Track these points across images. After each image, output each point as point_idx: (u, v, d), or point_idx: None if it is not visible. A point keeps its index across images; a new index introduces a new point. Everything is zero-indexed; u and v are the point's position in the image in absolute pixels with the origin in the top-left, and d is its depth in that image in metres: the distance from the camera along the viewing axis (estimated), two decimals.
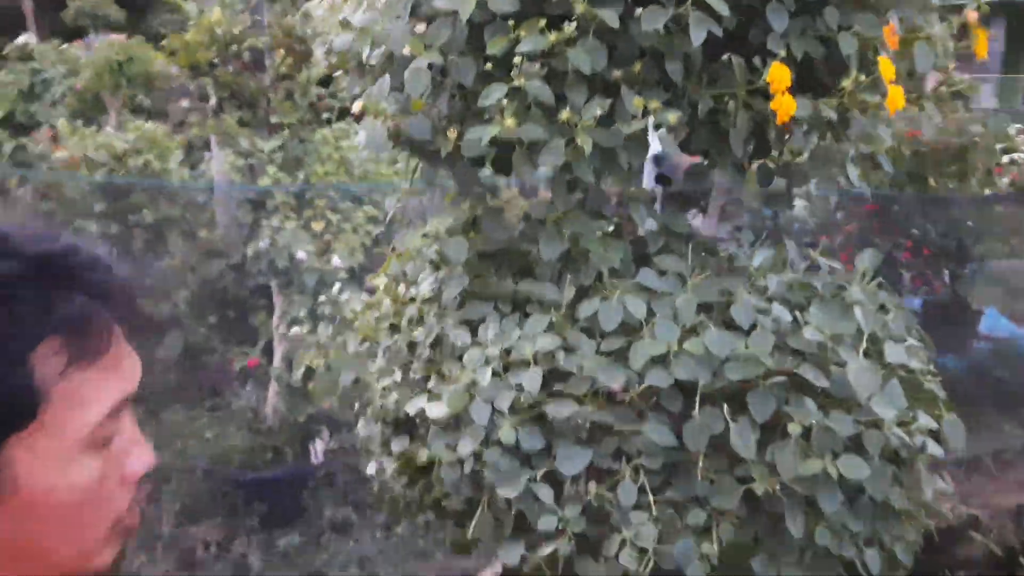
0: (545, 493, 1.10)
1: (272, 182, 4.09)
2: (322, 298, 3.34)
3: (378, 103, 1.26)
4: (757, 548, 1.06)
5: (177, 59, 4.00)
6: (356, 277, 3.90)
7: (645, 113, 1.09)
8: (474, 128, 1.15)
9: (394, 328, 1.53)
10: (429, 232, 1.36)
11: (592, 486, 1.10)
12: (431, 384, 1.30)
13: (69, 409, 0.61)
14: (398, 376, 1.37)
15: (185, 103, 4.52)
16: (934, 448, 1.08)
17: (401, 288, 1.52)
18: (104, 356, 0.62)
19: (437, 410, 1.22)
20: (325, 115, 4.85)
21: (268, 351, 3.75)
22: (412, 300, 1.52)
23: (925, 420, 1.10)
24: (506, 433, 1.12)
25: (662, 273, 1.18)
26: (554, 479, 1.14)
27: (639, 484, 1.08)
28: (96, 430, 0.62)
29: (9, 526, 0.60)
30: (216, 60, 4.26)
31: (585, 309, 1.18)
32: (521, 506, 1.14)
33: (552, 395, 1.14)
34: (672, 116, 1.07)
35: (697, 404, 1.06)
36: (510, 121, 1.11)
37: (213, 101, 4.45)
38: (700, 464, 1.05)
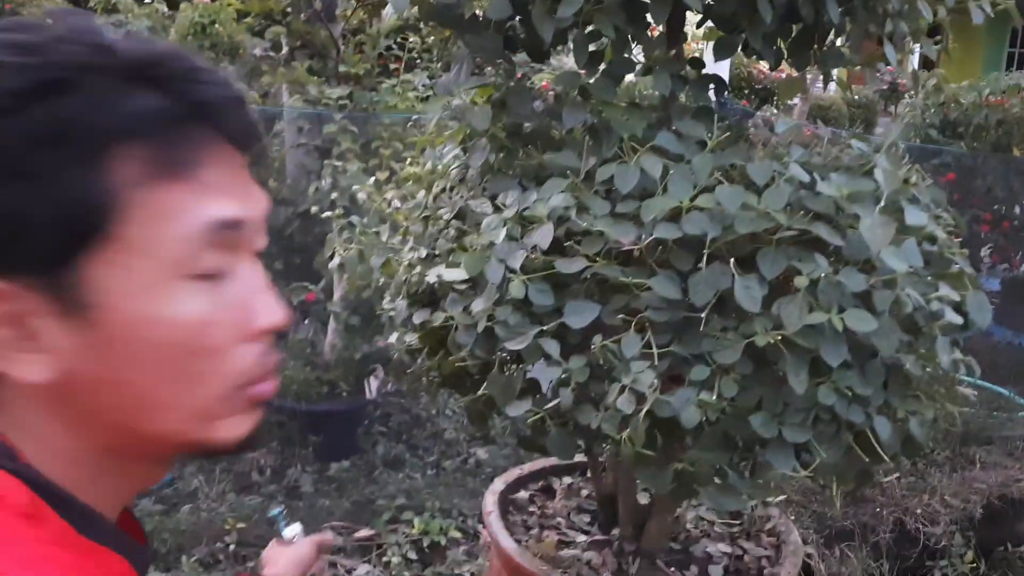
0: (552, 347, 1.11)
1: (338, 130, 4.17)
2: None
3: None
4: (759, 406, 1.04)
5: (250, 5, 4.10)
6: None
7: None
8: None
9: (426, 219, 1.55)
10: (455, 105, 1.37)
11: (597, 338, 1.10)
12: (453, 256, 1.32)
13: (155, 223, 0.53)
14: (423, 252, 1.39)
15: (258, 51, 4.64)
16: (952, 317, 1.04)
17: (429, 166, 1.54)
18: (202, 171, 0.54)
19: (455, 274, 1.23)
20: (393, 67, 4.92)
21: (329, 290, 3.83)
22: (440, 178, 1.53)
23: (946, 291, 1.06)
24: (516, 288, 1.13)
25: (681, 138, 1.17)
26: (564, 339, 1.14)
27: (645, 339, 1.07)
28: (196, 254, 0.54)
29: (96, 366, 0.53)
30: (289, 9, 4.36)
31: (602, 173, 1.17)
32: (530, 361, 1.15)
33: (564, 254, 1.15)
34: None
35: (705, 258, 1.05)
36: None
37: (285, 50, 4.57)
38: (704, 318, 1.04)
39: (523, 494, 1.74)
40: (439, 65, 4.89)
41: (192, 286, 0.54)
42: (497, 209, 1.27)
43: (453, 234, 1.38)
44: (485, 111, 1.29)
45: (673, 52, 1.29)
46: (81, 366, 0.53)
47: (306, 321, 3.57)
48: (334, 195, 3.54)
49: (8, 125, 0.50)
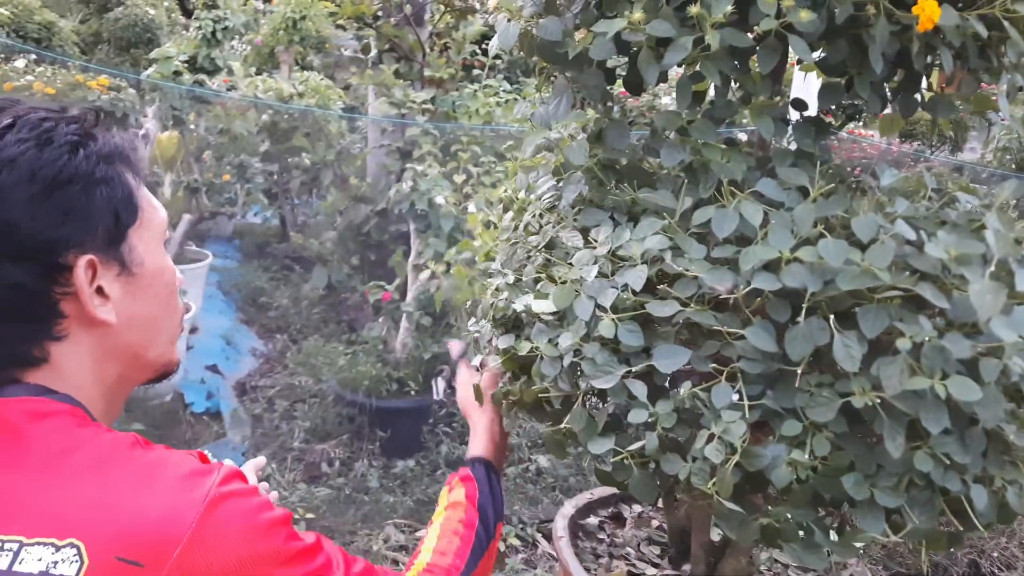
0: (639, 389, 1.11)
1: (420, 132, 4.23)
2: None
3: (512, 2, 1.29)
4: (852, 467, 1.02)
5: (343, 10, 4.18)
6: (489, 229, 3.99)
7: (779, 15, 1.07)
8: (601, 22, 1.16)
9: (513, 240, 1.56)
10: (551, 138, 1.38)
11: (687, 385, 1.09)
12: (540, 285, 1.33)
13: (150, 209, 0.88)
14: (511, 278, 1.40)
15: (348, 52, 4.73)
16: None
17: (521, 196, 1.55)
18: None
19: (543, 306, 1.24)
20: (476, 72, 4.95)
21: (403, 290, 3.89)
22: (530, 205, 1.55)
23: None
24: (606, 327, 1.13)
25: (784, 186, 1.16)
26: (650, 380, 1.14)
27: (736, 389, 1.06)
28: (163, 228, 0.90)
29: (132, 307, 0.85)
30: (379, 13, 4.43)
31: (699, 216, 1.16)
32: (614, 400, 1.15)
33: (655, 294, 1.14)
34: (804, 14, 1.04)
35: (804, 312, 1.03)
36: (637, 15, 1.11)
37: (373, 53, 4.64)
38: (799, 373, 1.03)
39: (593, 520, 1.74)
40: (534, 90, 4.93)
41: (164, 250, 0.90)
42: (588, 243, 1.28)
43: (540, 262, 1.39)
44: (582, 146, 1.29)
45: (775, 94, 1.27)
46: (123, 309, 0.84)
47: (380, 319, 3.63)
48: (413, 198, 3.59)
49: (88, 152, 0.81)
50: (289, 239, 5.79)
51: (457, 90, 4.53)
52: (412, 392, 3.49)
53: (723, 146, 1.24)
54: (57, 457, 0.75)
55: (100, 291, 0.81)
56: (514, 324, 1.41)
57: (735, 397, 1.07)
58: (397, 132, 4.42)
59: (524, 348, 1.27)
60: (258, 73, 6.40)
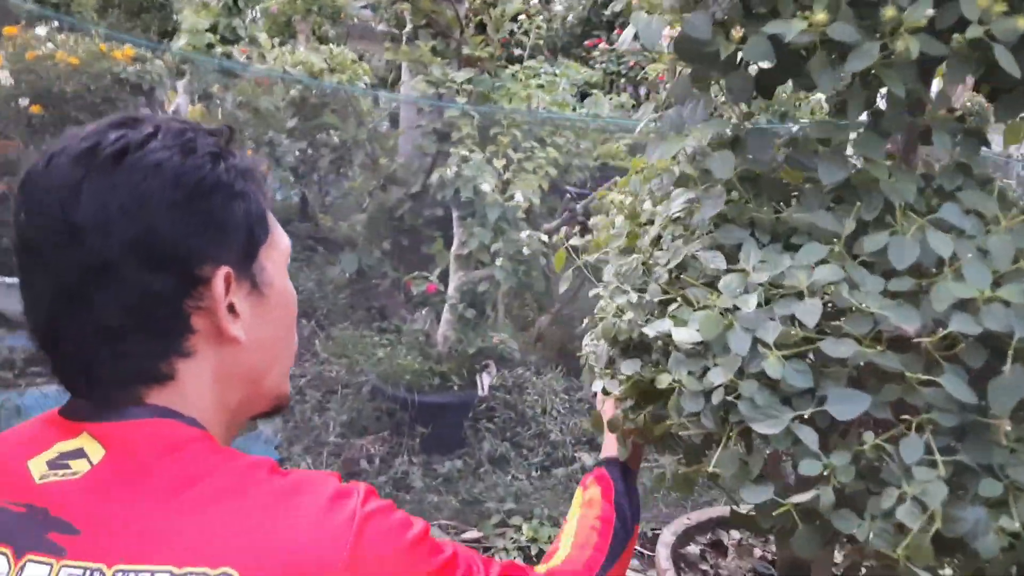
0: (810, 436, 1.00)
1: (461, 113, 4.09)
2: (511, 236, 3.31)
3: None
4: None
5: None
6: (531, 218, 3.86)
7: (982, 20, 0.95)
8: (775, 23, 1.04)
9: (627, 248, 1.46)
10: (687, 145, 1.26)
11: (868, 436, 0.98)
12: (673, 308, 1.21)
13: (277, 231, 0.85)
14: (632, 296, 1.28)
15: (383, 26, 4.57)
16: None
17: (642, 205, 1.44)
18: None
19: (685, 335, 1.13)
20: (516, 52, 4.81)
21: (442, 279, 3.78)
22: (650, 222, 1.44)
23: None
24: (773, 366, 1.02)
25: (966, 212, 1.04)
26: (813, 423, 1.03)
27: (923, 439, 0.96)
28: (288, 253, 0.87)
29: (258, 328, 0.81)
30: None
31: (870, 243, 1.05)
32: (778, 446, 1.04)
33: (823, 332, 1.03)
34: (1022, 20, 0.92)
35: (1009, 360, 0.92)
36: (821, 16, 0.99)
37: (408, 27, 4.49)
38: (1003, 429, 0.92)
39: (693, 548, 1.64)
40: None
41: (287, 273, 0.87)
42: (731, 262, 1.17)
43: (666, 279, 1.28)
44: (727, 158, 1.17)
45: (952, 110, 1.15)
46: (251, 330, 0.80)
47: (424, 311, 3.52)
48: (458, 184, 3.46)
49: (229, 165, 0.79)
50: (312, 218, 5.66)
51: (496, 71, 4.38)
52: (455, 387, 3.39)
53: (888, 163, 1.13)
54: (193, 483, 0.72)
55: (231, 308, 0.79)
56: (637, 347, 1.30)
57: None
58: (434, 113, 4.28)
59: (663, 381, 1.16)
60: (280, 44, 6.25)
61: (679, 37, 1.18)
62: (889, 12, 0.97)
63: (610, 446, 1.34)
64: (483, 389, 3.32)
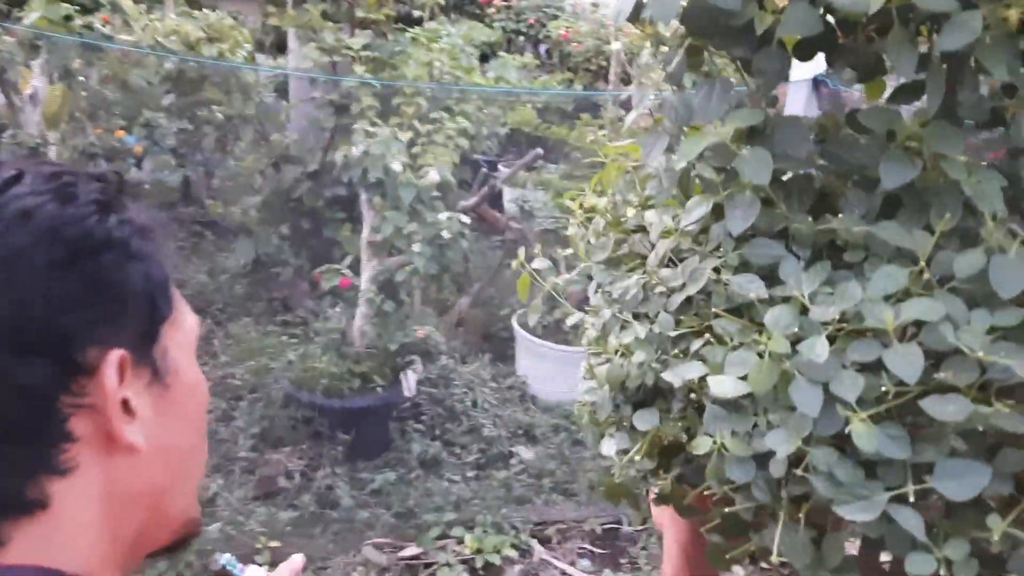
0: (914, 522, 0.78)
1: (358, 83, 3.73)
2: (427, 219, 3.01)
3: None
4: None
5: None
6: (445, 195, 3.57)
7: None
8: None
9: (613, 260, 1.21)
10: (704, 141, 1.01)
11: (993, 519, 0.77)
12: (698, 346, 0.98)
13: (182, 306, 0.67)
14: (640, 332, 1.04)
15: None
16: None
17: (629, 212, 1.19)
18: None
19: (728, 386, 0.89)
20: (417, 14, 4.45)
21: (353, 268, 3.45)
22: (640, 229, 1.20)
23: None
24: (864, 436, 0.79)
25: None
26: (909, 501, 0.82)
27: None
28: (196, 333, 0.69)
29: (161, 432, 0.62)
30: None
31: (963, 265, 0.83)
32: (870, 533, 0.82)
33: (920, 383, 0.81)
34: None
35: None
36: None
37: None
38: None
39: None
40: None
41: (195, 360, 0.69)
42: (775, 293, 0.93)
43: (677, 307, 1.04)
44: (763, 159, 0.93)
45: None
46: (153, 434, 0.61)
47: (337, 308, 3.19)
48: (366, 164, 3.13)
49: (123, 219, 0.62)
50: (196, 202, 5.18)
51: (391, 39, 4.03)
52: (378, 388, 3.09)
53: (965, 159, 0.91)
54: None
55: (125, 405, 0.60)
56: (649, 392, 1.06)
57: None
58: (330, 83, 3.90)
59: (701, 446, 0.92)
60: (148, 10, 5.65)
61: (690, 6, 0.93)
62: None
63: (669, 566, 1.14)
64: (409, 389, 3.04)
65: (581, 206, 1.32)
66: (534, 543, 2.83)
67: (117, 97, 4.51)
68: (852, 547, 0.96)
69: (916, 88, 0.95)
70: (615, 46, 4.56)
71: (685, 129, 1.04)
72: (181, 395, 0.66)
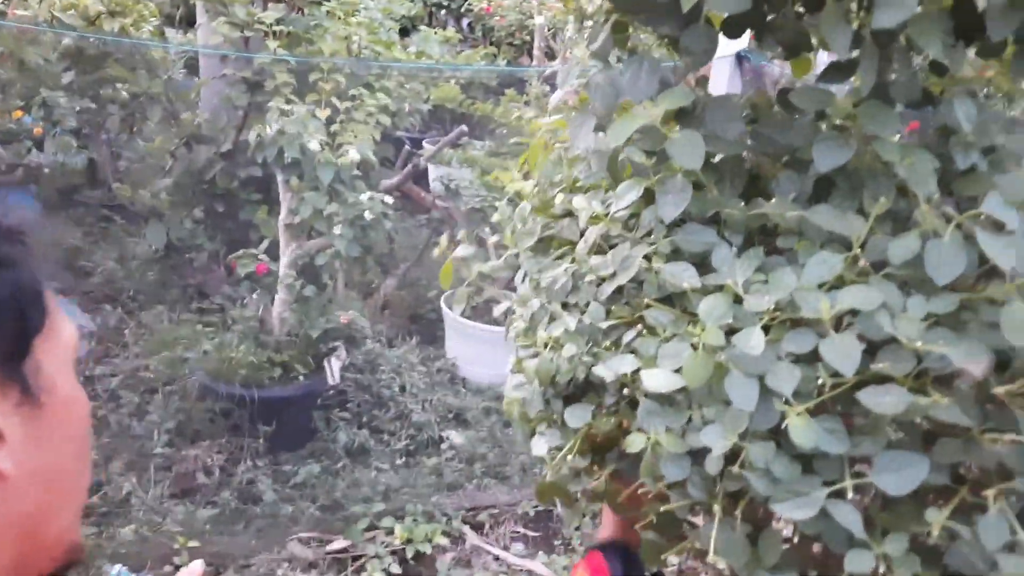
0: (853, 519, 0.76)
1: (273, 60, 3.58)
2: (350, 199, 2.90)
3: None
4: None
5: None
6: (367, 174, 3.46)
7: None
8: None
9: (541, 247, 1.17)
10: (635, 123, 0.96)
11: (932, 514, 0.75)
12: (630, 338, 0.94)
13: (58, 316, 0.62)
14: (571, 323, 0.99)
15: None
16: None
17: (558, 198, 1.14)
18: None
19: (661, 380, 0.85)
20: None
21: (271, 252, 3.32)
22: (568, 214, 1.15)
23: None
24: (801, 430, 0.76)
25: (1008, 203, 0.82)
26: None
27: (998, 511, 0.74)
28: (75, 345, 0.64)
29: (34, 455, 0.58)
30: None
31: (898, 250, 0.80)
32: (807, 530, 0.79)
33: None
34: None
35: None
36: None
37: None
38: None
39: None
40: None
41: (74, 374, 0.63)
42: (705, 273, 0.90)
43: (607, 297, 1.00)
44: (695, 142, 0.89)
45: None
46: (24, 457, 0.56)
47: (255, 295, 3.06)
48: (281, 143, 3.00)
49: None
50: (103, 185, 4.93)
51: (309, 7, 3.88)
52: (300, 377, 2.99)
53: (898, 141, 0.89)
54: None
55: None
56: (580, 386, 1.02)
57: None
58: (242, 59, 3.74)
59: (635, 443, 0.88)
60: None
61: None
62: None
63: (607, 524, 1.10)
64: (333, 376, 2.95)
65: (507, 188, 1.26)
66: (466, 529, 2.79)
67: (13, 76, 4.24)
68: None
69: (848, 67, 0.92)
70: (538, 20, 4.50)
71: (613, 110, 1.00)
72: (57, 414, 0.60)
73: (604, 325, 0.98)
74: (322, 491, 2.80)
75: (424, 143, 5.38)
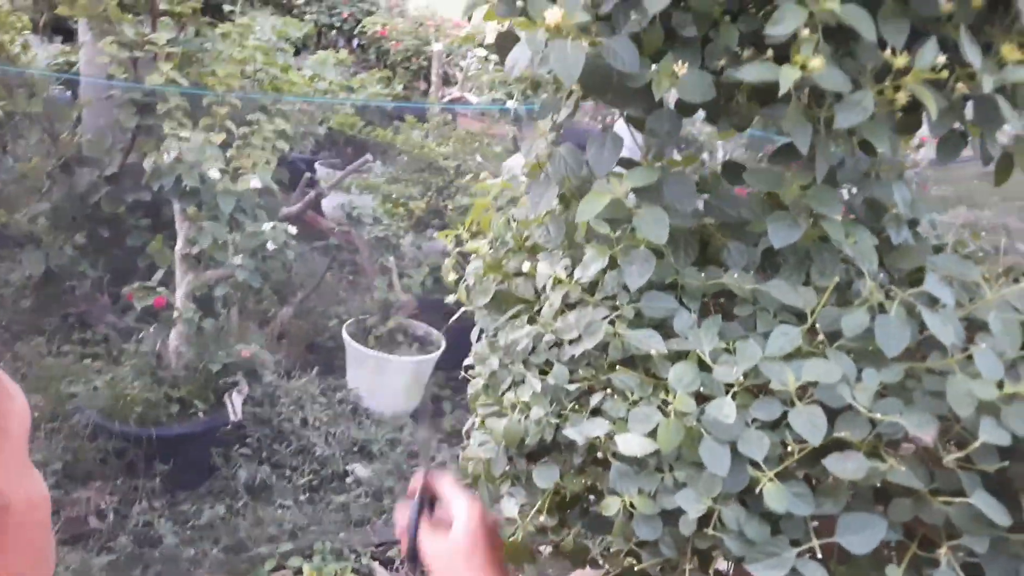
0: (819, 574, 0.82)
1: (165, 81, 3.46)
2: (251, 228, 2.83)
3: (571, 10, 0.88)
4: None
5: None
6: (267, 202, 3.39)
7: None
8: (753, 66, 0.81)
9: (491, 305, 1.20)
10: (604, 199, 1.00)
11: (892, 571, 0.82)
12: (597, 400, 0.98)
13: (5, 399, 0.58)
14: (536, 385, 1.02)
15: None
16: None
17: (511, 262, 1.17)
18: None
19: (634, 444, 0.90)
20: (228, 8, 4.19)
21: (165, 282, 3.19)
22: (520, 274, 1.19)
23: None
24: (775, 496, 0.82)
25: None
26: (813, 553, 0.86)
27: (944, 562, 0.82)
28: (26, 425, 0.59)
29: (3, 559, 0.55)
30: None
31: (851, 324, 0.88)
32: None
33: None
34: None
35: None
36: (817, 62, 0.78)
37: None
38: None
39: None
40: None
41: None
42: (666, 337, 0.95)
43: (569, 359, 1.04)
44: (659, 217, 0.94)
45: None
46: None
47: (152, 329, 2.94)
48: (179, 171, 2.90)
49: None
50: None
51: (202, 28, 3.76)
52: (199, 413, 2.89)
53: (842, 220, 0.96)
54: None
55: None
56: (549, 449, 1.05)
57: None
58: (130, 78, 3.59)
59: (610, 507, 0.92)
60: None
61: (589, 65, 0.92)
62: (899, 60, 0.78)
63: None
64: (235, 413, 2.86)
65: (458, 244, 1.29)
66: (376, 566, 2.76)
67: None
68: None
69: (795, 150, 0.99)
70: (436, 47, 4.52)
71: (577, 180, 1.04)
72: (11, 524, 0.57)
73: (572, 388, 1.01)
74: (225, 531, 2.71)
75: (317, 165, 5.30)
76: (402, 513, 1.06)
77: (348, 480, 3.08)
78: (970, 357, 0.83)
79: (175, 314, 2.91)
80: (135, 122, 3.61)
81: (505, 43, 1.07)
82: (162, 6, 3.70)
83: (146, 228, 3.68)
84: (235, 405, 2.86)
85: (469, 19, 1.09)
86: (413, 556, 1.01)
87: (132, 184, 3.72)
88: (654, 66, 0.91)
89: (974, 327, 0.89)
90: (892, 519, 0.85)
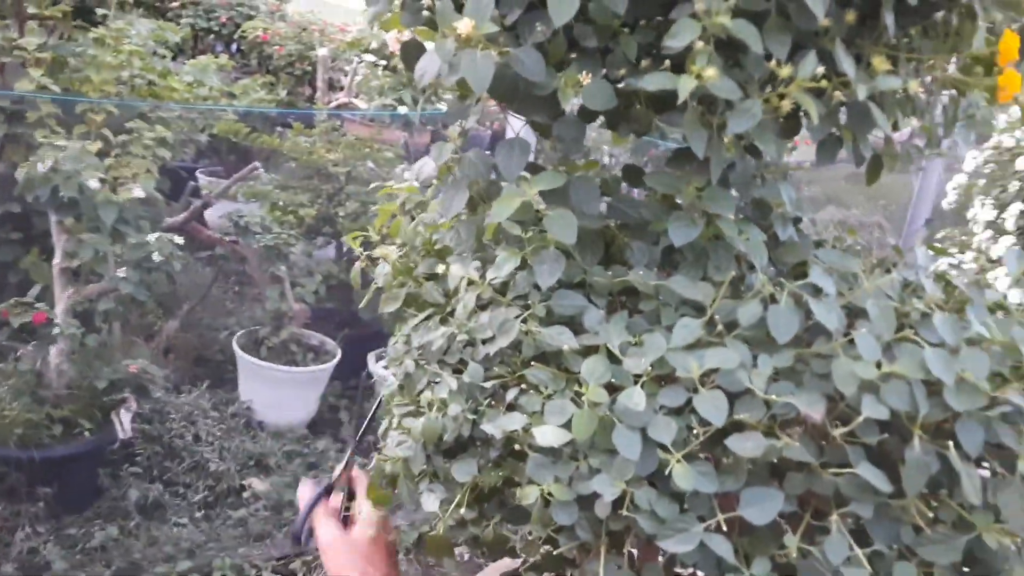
0: (723, 548, 0.88)
1: (36, 88, 3.30)
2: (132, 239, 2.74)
3: (480, 21, 0.92)
4: None
5: None
6: (151, 215, 3.27)
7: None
8: (653, 76, 0.87)
9: (405, 308, 1.23)
10: (515, 202, 1.04)
11: (789, 539, 0.89)
12: (512, 395, 1.02)
13: None
14: (452, 384, 1.06)
15: None
16: None
17: (419, 261, 1.20)
18: None
19: (551, 435, 0.94)
20: (100, 12, 4.02)
21: (41, 298, 3.03)
22: (433, 276, 1.22)
23: None
24: (682, 476, 0.88)
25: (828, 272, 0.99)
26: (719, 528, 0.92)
27: (837, 531, 0.89)
28: None
29: None
30: None
31: (746, 314, 0.95)
32: (687, 561, 0.91)
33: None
34: (915, 84, 0.87)
35: (916, 439, 0.89)
36: (711, 72, 0.84)
37: None
38: (915, 509, 0.89)
39: None
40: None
41: None
42: (577, 333, 1.01)
43: (485, 356, 1.08)
44: (568, 219, 0.99)
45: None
46: None
47: (30, 347, 2.79)
48: (56, 181, 2.77)
49: None
50: None
51: (73, 33, 3.61)
52: (85, 432, 2.76)
53: (734, 219, 1.04)
54: None
55: None
56: (466, 444, 1.08)
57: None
58: None
59: (529, 495, 0.96)
60: None
61: (498, 73, 0.96)
62: (784, 71, 0.85)
63: None
64: (124, 431, 2.75)
65: (367, 247, 1.30)
66: None
67: None
68: None
69: (691, 154, 1.06)
70: (321, 52, 4.47)
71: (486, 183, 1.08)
72: None
73: (487, 385, 1.05)
74: (118, 553, 2.60)
75: (198, 174, 5.14)
76: (305, 489, 1.09)
77: (245, 495, 3.01)
78: (851, 341, 0.91)
79: (55, 330, 2.78)
80: (3, 131, 3.42)
81: (409, 52, 1.10)
82: (30, 10, 3.53)
83: (17, 242, 3.48)
84: (123, 423, 2.75)
85: (372, 27, 1.11)
86: (299, 533, 1.04)
87: (1, 195, 3.53)
88: (559, 75, 0.95)
89: (854, 314, 0.97)
90: (787, 492, 0.92)
